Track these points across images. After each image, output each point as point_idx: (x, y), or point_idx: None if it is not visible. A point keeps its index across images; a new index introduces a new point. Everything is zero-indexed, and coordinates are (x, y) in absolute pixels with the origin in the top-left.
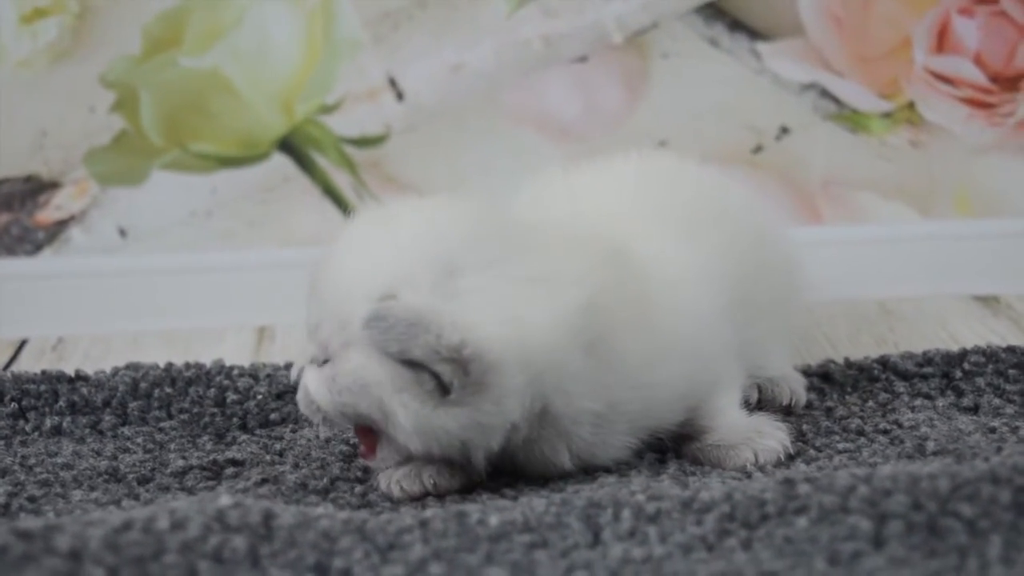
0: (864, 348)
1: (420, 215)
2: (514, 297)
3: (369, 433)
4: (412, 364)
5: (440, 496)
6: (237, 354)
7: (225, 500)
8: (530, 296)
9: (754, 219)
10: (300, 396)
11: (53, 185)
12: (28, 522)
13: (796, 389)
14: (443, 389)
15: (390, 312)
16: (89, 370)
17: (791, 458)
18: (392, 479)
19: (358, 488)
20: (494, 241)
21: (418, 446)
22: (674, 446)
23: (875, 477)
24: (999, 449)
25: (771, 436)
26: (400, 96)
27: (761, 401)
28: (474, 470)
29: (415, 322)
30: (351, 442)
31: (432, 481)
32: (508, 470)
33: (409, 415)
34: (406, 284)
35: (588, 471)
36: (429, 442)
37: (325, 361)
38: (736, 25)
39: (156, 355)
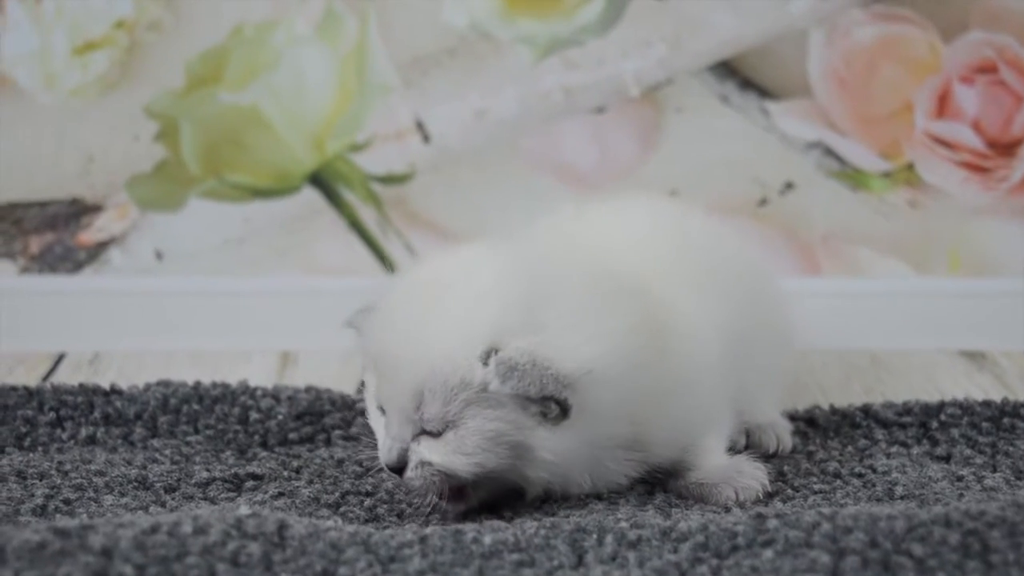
0: (853, 396)
1: (471, 269)
2: (589, 317)
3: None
4: (536, 400)
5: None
6: (261, 376)
7: (244, 510)
8: (599, 313)
9: (752, 271)
10: (417, 474)
11: (96, 208)
12: (64, 521)
13: (782, 436)
14: (563, 413)
15: (514, 361)
16: (122, 385)
17: (770, 496)
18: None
19: (367, 502)
20: (548, 269)
21: (546, 474)
22: (661, 481)
23: (839, 516)
24: (961, 496)
25: (751, 476)
26: (426, 138)
27: (749, 446)
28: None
29: (536, 362)
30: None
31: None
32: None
33: (547, 445)
34: (504, 332)
35: (581, 498)
36: (558, 468)
37: (439, 433)
38: (747, 84)
39: (185, 373)
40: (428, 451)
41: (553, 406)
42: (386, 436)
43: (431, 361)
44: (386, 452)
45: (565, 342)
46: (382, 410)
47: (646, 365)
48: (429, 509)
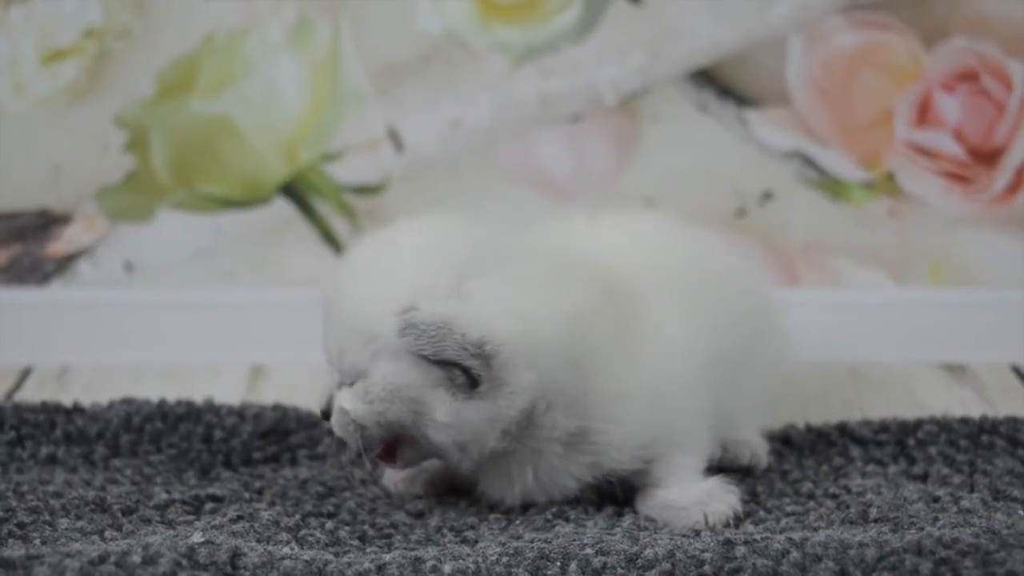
0: (831, 411)
1: (423, 232)
2: (518, 295)
3: (390, 443)
4: (443, 363)
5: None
6: (232, 390)
7: (197, 537)
8: (532, 294)
9: (753, 297)
10: (335, 420)
11: (65, 219)
12: (12, 551)
13: (758, 452)
14: (472, 383)
15: (419, 320)
16: (89, 400)
17: (741, 519)
18: (392, 480)
19: (328, 524)
20: (494, 248)
21: (446, 439)
22: (630, 498)
23: (808, 543)
24: (936, 519)
25: (722, 500)
26: (400, 147)
27: (723, 459)
28: (459, 474)
29: (441, 325)
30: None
31: (424, 487)
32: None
33: (444, 408)
34: (423, 295)
35: (548, 519)
36: (457, 434)
37: (353, 382)
38: (725, 92)
39: (154, 388)
40: (343, 398)
41: (458, 373)
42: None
43: (348, 312)
44: (322, 398)
45: (484, 314)
46: None
47: (593, 360)
48: (353, 462)
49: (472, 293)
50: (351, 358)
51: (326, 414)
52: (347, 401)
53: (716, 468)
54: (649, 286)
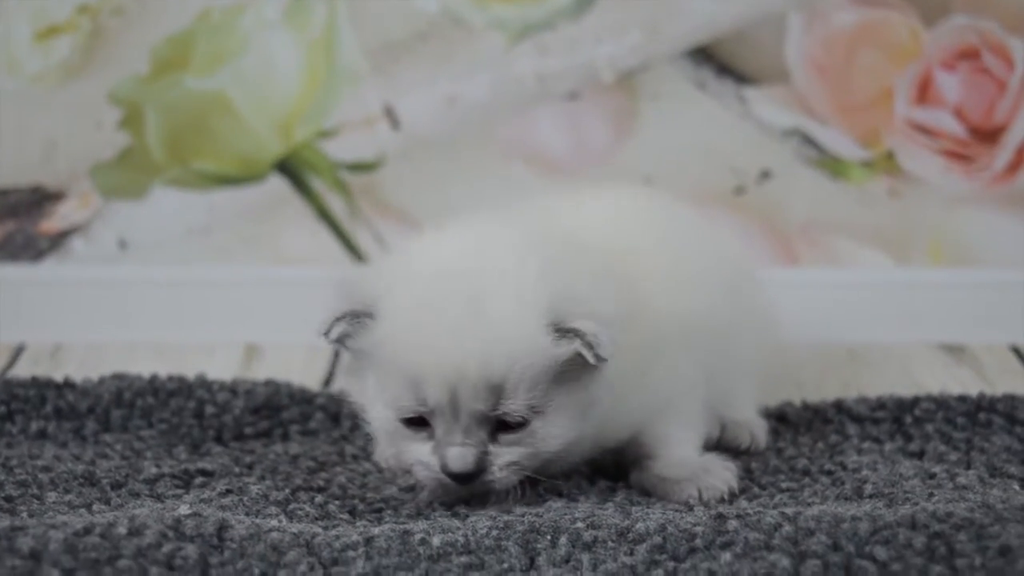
0: (829, 392)
1: (496, 251)
2: (587, 271)
3: None
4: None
5: None
6: (226, 368)
7: (183, 509)
8: (592, 270)
9: (736, 269)
10: (502, 476)
11: (59, 196)
12: None
13: (757, 434)
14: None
15: (591, 329)
16: (84, 377)
17: (735, 495)
18: (384, 456)
19: (318, 498)
20: (551, 242)
21: (598, 422)
22: (623, 474)
23: (801, 517)
24: (931, 495)
25: (718, 475)
26: (396, 125)
27: (722, 440)
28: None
29: (603, 322)
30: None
31: None
32: None
33: (608, 390)
34: (561, 304)
35: (540, 494)
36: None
37: (520, 424)
38: (723, 70)
39: (148, 365)
40: (517, 448)
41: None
42: (445, 443)
43: (510, 352)
44: (459, 460)
45: (595, 302)
46: (407, 420)
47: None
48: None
49: (576, 285)
50: (520, 400)
51: (473, 476)
52: (526, 447)
53: (715, 448)
54: (633, 263)
